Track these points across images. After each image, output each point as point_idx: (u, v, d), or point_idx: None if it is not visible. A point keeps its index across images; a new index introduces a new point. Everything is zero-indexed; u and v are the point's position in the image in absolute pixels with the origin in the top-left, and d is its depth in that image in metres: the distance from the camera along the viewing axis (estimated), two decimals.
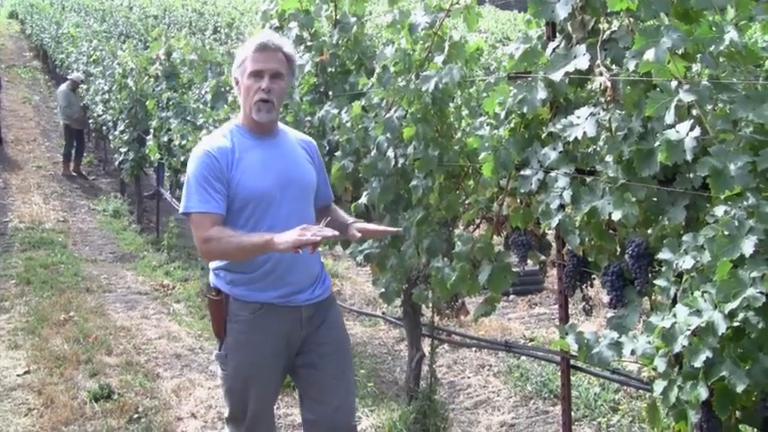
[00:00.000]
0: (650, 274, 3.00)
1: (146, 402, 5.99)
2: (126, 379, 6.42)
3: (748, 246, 2.35)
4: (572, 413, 4.43)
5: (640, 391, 5.27)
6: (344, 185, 5.15)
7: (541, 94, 3.43)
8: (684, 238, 2.66)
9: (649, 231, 3.05)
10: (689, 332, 2.46)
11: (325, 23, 5.66)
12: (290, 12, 5.65)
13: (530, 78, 3.54)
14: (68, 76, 17.70)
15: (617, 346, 2.97)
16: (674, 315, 2.54)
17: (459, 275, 4.05)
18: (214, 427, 5.62)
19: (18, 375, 6.48)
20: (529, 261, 3.95)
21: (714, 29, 2.64)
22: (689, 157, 2.62)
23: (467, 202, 4.37)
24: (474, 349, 7.12)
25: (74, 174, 17.18)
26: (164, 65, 10.90)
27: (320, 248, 3.87)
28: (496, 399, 6.14)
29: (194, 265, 10.68)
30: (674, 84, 2.71)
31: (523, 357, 6.64)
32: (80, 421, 5.62)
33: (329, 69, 5.55)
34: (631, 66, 2.87)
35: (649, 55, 2.69)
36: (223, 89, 8.63)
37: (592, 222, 3.24)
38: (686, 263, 2.60)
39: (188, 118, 9.59)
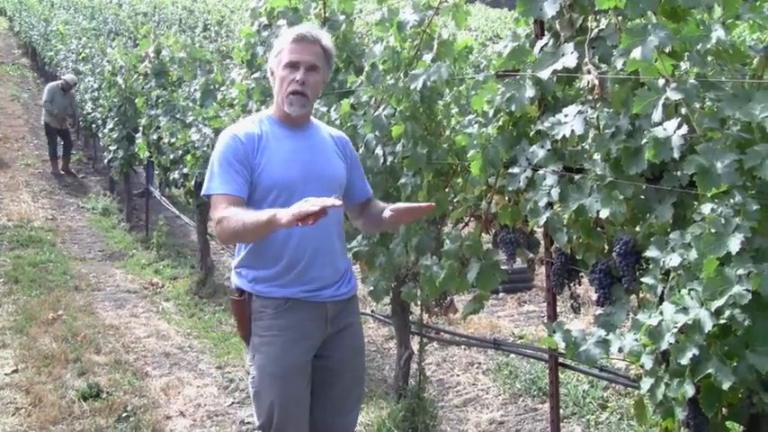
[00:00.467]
0: (638, 272, 3.00)
1: (134, 401, 5.98)
2: (114, 378, 6.41)
3: (735, 243, 2.36)
4: (561, 410, 4.44)
5: (629, 388, 5.29)
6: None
7: (530, 92, 3.44)
8: (672, 235, 2.67)
9: (637, 229, 3.06)
10: (676, 330, 2.47)
11: (314, 21, 5.64)
12: (278, 9, 5.64)
13: (518, 76, 3.54)
14: (62, 76, 17.58)
15: (604, 343, 2.97)
16: (661, 313, 2.55)
17: (448, 273, 4.05)
18: (203, 425, 5.61)
19: (6, 374, 6.45)
20: (517, 259, 3.96)
21: (701, 27, 2.65)
22: (676, 155, 2.62)
23: (455, 200, 4.38)
24: (463, 347, 7.12)
25: (62, 172, 17.12)
26: (153, 63, 10.87)
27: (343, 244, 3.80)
28: (485, 396, 6.14)
29: (183, 264, 10.68)
30: (661, 82, 2.71)
31: (512, 355, 6.65)
32: (68, 420, 5.60)
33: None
34: (619, 64, 2.89)
35: (636, 53, 2.70)
36: (212, 87, 8.65)
37: (580, 220, 3.25)
38: (673, 260, 2.61)
39: (177, 116, 9.57)
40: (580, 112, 3.17)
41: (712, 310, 2.37)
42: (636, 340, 2.76)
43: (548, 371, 4.14)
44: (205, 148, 8.01)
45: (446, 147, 4.34)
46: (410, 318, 5.50)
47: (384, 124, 4.49)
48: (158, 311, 8.75)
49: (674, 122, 2.67)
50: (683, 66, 2.88)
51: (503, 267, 4.01)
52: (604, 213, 3.00)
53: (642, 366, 2.70)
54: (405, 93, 4.28)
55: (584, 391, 5.92)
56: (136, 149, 11.28)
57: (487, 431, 5.56)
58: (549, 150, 3.42)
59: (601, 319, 3.13)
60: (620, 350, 2.88)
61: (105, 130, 13.51)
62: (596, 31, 3.23)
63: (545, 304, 4.05)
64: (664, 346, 2.52)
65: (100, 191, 16.17)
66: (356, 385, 3.78)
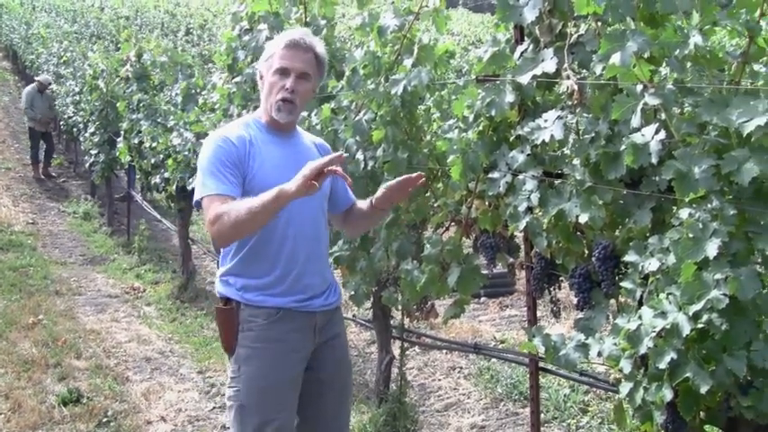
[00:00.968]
0: (617, 277, 3.01)
1: (115, 406, 5.96)
2: (95, 382, 6.38)
3: (712, 248, 2.37)
4: (542, 415, 4.45)
5: (609, 392, 5.30)
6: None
7: (509, 97, 3.45)
8: (650, 240, 2.69)
9: (616, 234, 3.07)
10: (654, 334, 2.49)
11: (296, 26, 5.64)
12: (259, 14, 5.64)
13: (498, 81, 3.55)
14: (36, 78, 17.55)
15: (584, 347, 2.99)
16: (640, 317, 2.57)
17: (429, 278, 4.05)
18: (183, 430, 5.60)
19: None
20: (498, 263, 3.97)
21: (679, 33, 2.66)
22: (654, 161, 2.64)
23: (436, 204, 4.38)
24: (444, 351, 7.13)
25: (43, 177, 17.05)
26: (134, 66, 10.84)
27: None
28: (467, 401, 6.15)
29: (165, 268, 10.65)
30: (639, 87, 2.73)
31: (494, 359, 6.66)
32: (48, 425, 5.58)
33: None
34: (598, 69, 2.90)
35: (615, 59, 2.71)
36: (194, 91, 8.62)
37: (559, 225, 3.26)
38: (652, 265, 2.63)
39: (159, 120, 9.56)
40: (559, 118, 3.18)
41: (690, 314, 2.38)
42: (615, 344, 2.77)
43: (528, 375, 4.15)
44: (186, 153, 7.99)
45: (426, 151, 4.35)
46: (391, 322, 5.50)
47: (365, 129, 4.50)
48: (139, 316, 8.72)
49: (652, 128, 2.68)
50: (663, 71, 2.89)
51: (483, 272, 4.02)
52: (584, 218, 3.01)
53: (621, 370, 2.71)
54: (385, 97, 4.29)
55: (565, 396, 5.93)
56: (117, 153, 11.26)
57: None
58: (528, 155, 3.43)
59: (580, 324, 3.14)
60: (600, 354, 2.89)
61: (86, 134, 13.47)
62: (575, 36, 3.24)
63: (526, 308, 4.06)
64: (642, 350, 2.53)
65: (81, 195, 16.09)
66: (346, 400, 3.68)
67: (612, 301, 3.13)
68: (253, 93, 5.71)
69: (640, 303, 2.73)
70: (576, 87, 3.12)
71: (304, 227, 3.34)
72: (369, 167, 4.56)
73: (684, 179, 2.52)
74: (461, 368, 6.85)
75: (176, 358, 7.17)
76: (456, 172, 3.73)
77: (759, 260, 2.48)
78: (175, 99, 9.16)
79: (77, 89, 14.82)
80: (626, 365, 2.67)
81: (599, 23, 3.10)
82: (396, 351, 5.50)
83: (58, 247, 12.32)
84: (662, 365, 2.45)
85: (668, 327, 2.44)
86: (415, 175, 3.42)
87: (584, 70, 3.18)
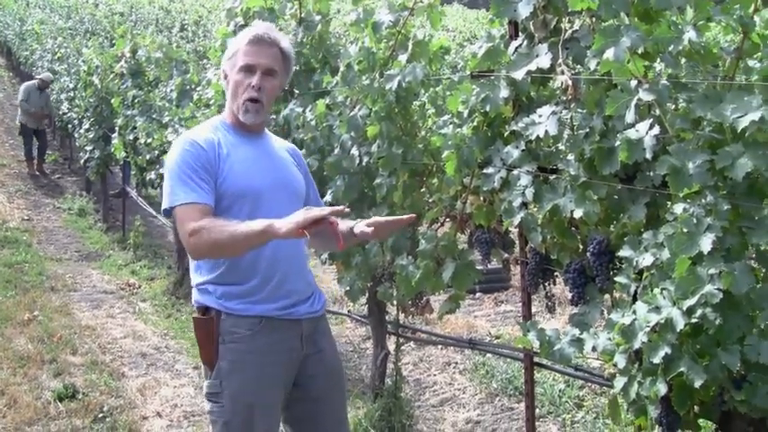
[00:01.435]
0: (611, 272, 3.02)
1: (111, 402, 5.96)
2: (91, 378, 6.38)
3: (706, 243, 2.38)
4: (537, 409, 4.47)
5: (604, 387, 5.31)
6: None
7: (504, 92, 3.45)
8: (645, 235, 2.70)
9: (611, 229, 3.08)
10: (648, 329, 2.50)
11: (290, 21, 5.65)
12: (254, 9, 5.64)
13: (492, 77, 3.56)
14: (38, 76, 17.49)
15: (578, 342, 2.99)
16: (634, 312, 2.57)
17: (424, 273, 4.06)
18: (179, 425, 5.60)
19: None
20: (493, 259, 3.97)
21: (673, 29, 2.67)
22: (648, 156, 2.65)
23: (431, 200, 4.39)
24: (440, 347, 7.14)
25: (37, 173, 17.03)
26: (129, 63, 10.82)
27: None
28: (462, 396, 6.16)
29: (160, 264, 10.65)
30: (633, 83, 2.74)
31: (489, 355, 6.67)
32: (44, 421, 5.58)
33: (293, 68, 5.54)
34: (592, 65, 2.90)
35: (609, 54, 2.72)
36: (188, 87, 8.62)
37: (554, 220, 3.27)
38: (646, 260, 2.64)
39: (153, 116, 9.54)
40: (554, 113, 3.18)
41: (684, 309, 2.39)
42: (609, 339, 2.78)
43: (523, 370, 4.16)
44: None
45: (421, 147, 4.36)
46: (387, 318, 5.51)
47: (359, 124, 4.50)
48: (135, 312, 8.72)
49: (646, 123, 2.69)
50: (658, 67, 2.90)
51: (478, 267, 4.02)
52: (578, 213, 3.02)
53: (615, 365, 2.72)
54: (380, 93, 4.29)
55: (560, 391, 5.95)
56: (112, 150, 11.23)
57: (464, 430, 5.58)
58: (523, 151, 3.43)
59: (575, 319, 3.15)
60: (594, 349, 2.90)
61: (81, 131, 13.44)
62: (570, 32, 3.25)
63: (521, 304, 4.07)
64: (637, 344, 2.54)
65: (76, 191, 16.06)
66: (344, 418, 3.50)
67: (607, 296, 3.14)
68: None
69: (635, 298, 2.74)
70: (570, 83, 3.13)
71: None
72: (363, 163, 4.57)
73: (679, 174, 2.53)
74: (457, 363, 6.86)
75: (172, 354, 7.17)
76: (451, 167, 3.73)
77: (753, 255, 2.50)
78: (170, 95, 9.14)
79: (72, 85, 14.80)
80: (620, 360, 2.68)
81: (593, 19, 3.11)
82: (391, 346, 5.51)
83: (54, 243, 12.30)
84: (656, 360, 2.46)
85: (662, 321, 2.45)
86: (406, 217, 3.24)
87: (579, 66, 3.19)
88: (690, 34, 2.63)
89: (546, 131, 3.18)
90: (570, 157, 3.12)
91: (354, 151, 4.61)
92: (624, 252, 2.76)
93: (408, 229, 4.51)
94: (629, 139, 2.69)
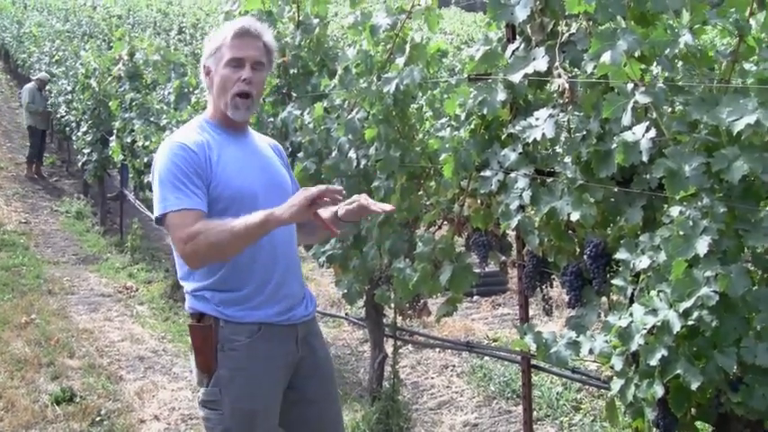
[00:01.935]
0: (608, 274, 3.03)
1: (108, 405, 5.96)
2: (88, 381, 6.38)
3: (702, 245, 2.39)
4: (534, 412, 4.47)
5: (602, 390, 5.32)
6: (307, 186, 5.14)
7: (501, 95, 3.45)
8: (641, 238, 2.71)
9: (607, 232, 3.08)
10: (645, 331, 2.50)
11: (288, 25, 5.66)
12: (252, 12, 5.64)
13: (490, 80, 3.57)
14: (34, 77, 17.53)
15: (575, 345, 2.99)
16: (631, 314, 2.58)
17: (421, 276, 4.06)
18: (177, 429, 5.60)
19: None
20: (490, 262, 3.98)
21: (669, 32, 2.68)
22: (645, 159, 2.65)
23: (428, 203, 4.40)
24: (437, 350, 7.14)
25: (35, 176, 17.03)
26: (127, 65, 10.82)
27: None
28: (460, 399, 6.16)
29: (158, 267, 10.65)
30: (630, 86, 2.74)
31: (486, 358, 6.67)
32: (41, 425, 5.58)
33: (292, 71, 5.56)
34: (589, 68, 2.91)
35: (606, 57, 2.72)
36: (186, 90, 8.62)
37: (551, 223, 3.27)
38: (643, 263, 2.64)
39: (151, 119, 9.54)
40: (551, 116, 3.18)
41: (681, 311, 2.39)
42: (606, 342, 2.79)
43: (521, 373, 4.16)
44: None
45: (419, 150, 4.36)
46: (384, 320, 5.52)
47: (357, 127, 4.51)
48: (132, 315, 8.71)
49: (642, 126, 2.69)
50: (655, 70, 2.91)
51: (475, 270, 4.03)
52: (575, 216, 3.02)
53: (612, 368, 2.73)
54: (377, 96, 4.29)
55: (557, 394, 5.95)
56: (110, 152, 11.23)
57: None
58: (520, 154, 3.44)
59: (572, 321, 3.15)
60: (591, 352, 2.90)
61: (79, 133, 13.44)
62: (567, 35, 3.25)
63: (518, 307, 4.08)
64: (633, 347, 2.55)
65: (74, 194, 16.04)
66: (339, 417, 3.47)
67: (604, 298, 3.14)
68: None
69: (631, 301, 2.74)
70: (567, 86, 3.13)
71: (277, 231, 3.01)
72: (361, 166, 4.57)
73: (675, 177, 2.53)
74: (454, 366, 6.86)
75: (169, 357, 7.17)
76: (448, 170, 3.73)
77: (749, 257, 2.51)
78: (168, 98, 9.15)
79: (70, 88, 14.79)
80: (617, 362, 2.69)
81: (590, 22, 3.12)
82: (389, 349, 5.52)
83: (51, 246, 12.30)
84: (653, 362, 2.47)
85: (659, 324, 2.45)
86: (388, 207, 3.19)
87: (576, 69, 3.19)
88: (686, 37, 2.64)
89: (543, 134, 3.18)
90: (567, 159, 3.12)
91: (352, 154, 4.61)
92: (621, 255, 2.77)
93: (406, 231, 4.52)
94: (626, 141, 2.70)
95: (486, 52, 3.62)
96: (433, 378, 6.63)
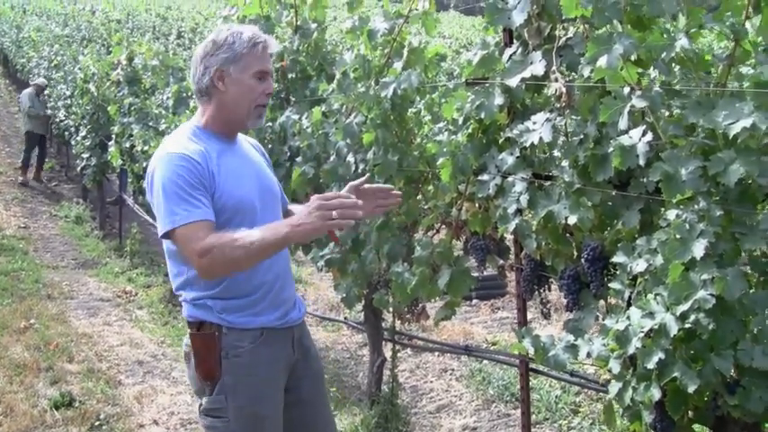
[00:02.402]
0: (606, 278, 3.03)
1: (107, 409, 5.96)
2: (87, 386, 6.38)
3: (699, 249, 2.39)
4: (533, 416, 4.47)
5: (600, 393, 5.32)
6: (305, 191, 5.16)
7: (498, 99, 3.46)
8: (638, 241, 2.71)
9: (605, 235, 3.09)
10: (642, 334, 2.51)
11: (287, 29, 5.67)
12: (251, 17, 5.65)
13: (487, 84, 3.57)
14: (32, 82, 17.56)
15: (573, 348, 3.00)
16: (628, 318, 2.59)
17: (419, 280, 4.07)
18: None
19: None
20: (489, 265, 3.99)
21: (666, 36, 2.69)
22: (642, 162, 2.66)
23: (426, 207, 4.40)
24: (436, 353, 7.14)
25: (35, 181, 17.02)
26: (126, 70, 10.83)
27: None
28: (459, 402, 6.16)
29: (157, 272, 10.64)
30: (626, 90, 2.75)
31: (485, 361, 6.67)
32: (40, 429, 5.58)
33: (290, 75, 5.57)
34: (586, 72, 2.92)
35: (602, 62, 2.73)
36: (185, 94, 8.62)
37: (548, 226, 3.28)
38: (640, 266, 2.65)
39: (150, 123, 9.55)
40: (548, 120, 3.20)
41: (677, 314, 2.40)
42: (604, 345, 2.79)
43: (519, 377, 4.17)
44: None
45: (417, 154, 4.37)
46: (383, 324, 5.52)
47: (355, 132, 4.52)
48: (132, 319, 8.71)
49: (639, 130, 2.70)
50: (652, 74, 2.91)
51: (473, 274, 4.03)
52: (572, 220, 3.03)
53: (610, 371, 2.73)
54: (375, 100, 4.30)
55: (556, 397, 5.95)
56: (109, 157, 11.23)
57: None
58: (517, 157, 3.45)
59: (570, 325, 3.16)
60: (589, 355, 2.91)
61: (78, 138, 13.44)
62: (564, 39, 3.26)
63: (516, 310, 4.08)
64: (631, 350, 2.56)
65: (73, 199, 16.04)
66: (330, 414, 3.50)
67: (602, 302, 3.14)
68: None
69: (629, 304, 2.75)
70: (564, 90, 3.14)
71: None
72: (359, 170, 4.58)
73: (672, 180, 2.54)
74: (453, 370, 6.86)
75: (168, 361, 7.16)
76: (446, 174, 3.74)
77: (745, 260, 2.51)
78: (167, 102, 9.15)
79: (68, 93, 14.80)
80: (615, 366, 2.70)
81: (587, 26, 3.12)
82: (387, 353, 5.52)
83: (50, 251, 12.29)
84: (650, 365, 2.47)
85: (656, 327, 2.46)
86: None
87: (573, 73, 3.20)
88: (682, 41, 2.65)
89: (540, 138, 3.19)
90: (564, 163, 3.13)
91: (350, 158, 4.62)
92: (618, 258, 2.78)
93: (404, 236, 4.53)
94: (623, 145, 2.71)
95: (483, 56, 3.63)
96: (431, 382, 6.63)
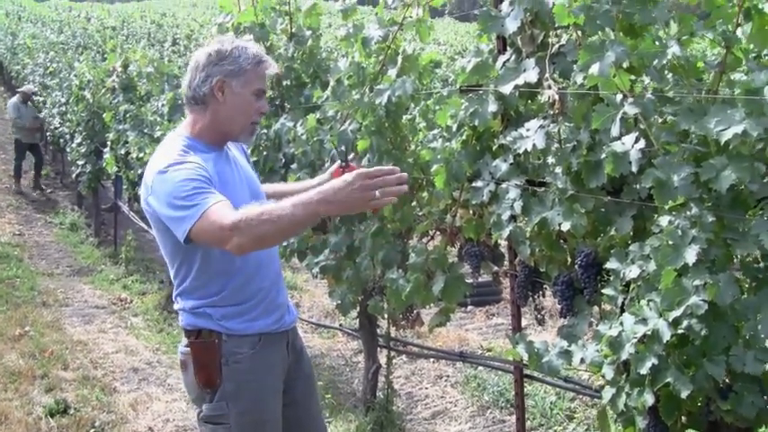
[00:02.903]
0: (599, 284, 3.04)
1: (102, 417, 5.95)
2: (82, 393, 6.37)
3: (691, 255, 2.41)
4: (528, 422, 4.48)
5: (595, 399, 5.33)
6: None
7: (492, 106, 3.48)
8: (631, 247, 2.73)
9: (598, 241, 3.10)
10: (635, 340, 2.52)
11: (281, 37, 5.68)
12: (245, 25, 5.67)
13: (481, 91, 3.59)
14: (18, 89, 17.56)
15: (566, 354, 3.01)
16: (621, 323, 2.60)
17: (414, 286, 4.08)
18: None
19: None
20: (483, 272, 3.99)
21: (658, 43, 2.71)
22: (634, 169, 2.68)
23: (421, 213, 4.41)
24: (431, 360, 7.15)
25: (35, 189, 17.01)
26: (120, 77, 10.84)
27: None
28: (454, 409, 6.16)
29: (152, 279, 10.63)
30: (619, 97, 2.77)
31: (480, 368, 6.68)
32: None
33: (284, 82, 5.58)
34: (579, 79, 2.94)
35: (594, 69, 2.75)
36: (180, 101, 8.62)
37: (542, 233, 3.29)
38: (633, 272, 2.66)
39: (145, 130, 9.54)
40: (542, 127, 3.21)
41: (670, 320, 2.42)
42: (597, 351, 2.81)
43: (513, 383, 4.17)
44: None
45: (411, 161, 4.37)
46: (378, 331, 5.53)
47: (350, 139, 4.52)
48: (127, 327, 8.70)
49: (632, 137, 2.72)
50: (645, 81, 2.93)
51: (468, 280, 4.04)
52: (566, 226, 3.04)
53: (604, 376, 2.75)
54: (370, 107, 4.31)
55: (551, 403, 5.96)
56: (104, 164, 11.22)
57: None
58: (511, 164, 3.46)
59: (563, 331, 3.17)
60: (583, 361, 2.92)
61: (73, 145, 13.43)
62: (557, 46, 3.28)
63: (511, 317, 4.09)
64: (624, 356, 2.57)
65: (68, 206, 16.04)
66: (320, 414, 3.55)
67: (595, 307, 3.16)
68: None
69: (622, 310, 2.76)
70: (557, 97, 3.16)
71: None
72: None
73: (664, 187, 2.56)
74: (448, 376, 6.86)
75: (164, 369, 7.15)
76: (440, 181, 3.76)
77: (737, 266, 2.53)
78: (162, 109, 9.15)
79: (64, 100, 14.79)
80: (608, 371, 2.71)
81: (580, 34, 3.14)
82: (382, 360, 5.52)
83: (45, 258, 12.28)
84: (643, 371, 2.49)
85: (649, 333, 2.48)
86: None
87: (566, 80, 3.22)
88: (674, 49, 2.67)
89: (534, 145, 3.20)
90: (558, 170, 3.14)
91: None
92: (611, 264, 2.79)
93: (399, 242, 4.54)
94: (615, 152, 2.72)
95: (477, 64, 3.64)
96: (426, 388, 6.64)
